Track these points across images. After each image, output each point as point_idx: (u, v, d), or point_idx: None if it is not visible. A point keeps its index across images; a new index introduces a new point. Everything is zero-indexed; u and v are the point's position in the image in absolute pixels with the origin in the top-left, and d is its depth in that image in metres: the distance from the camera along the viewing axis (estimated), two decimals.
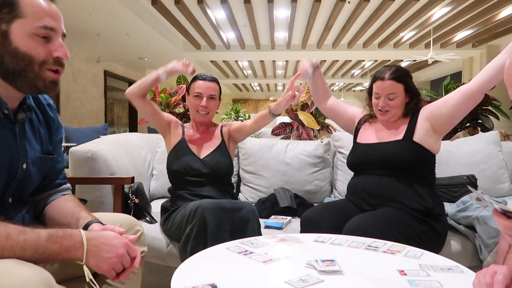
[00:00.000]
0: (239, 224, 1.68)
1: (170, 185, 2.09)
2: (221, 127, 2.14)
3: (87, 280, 0.96)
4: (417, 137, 1.77)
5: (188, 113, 3.49)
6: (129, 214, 1.95)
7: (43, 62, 0.99)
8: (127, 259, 1.00)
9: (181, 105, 3.47)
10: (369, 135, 1.93)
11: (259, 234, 1.72)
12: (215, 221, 1.60)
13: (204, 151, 2.02)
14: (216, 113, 2.13)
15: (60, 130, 1.26)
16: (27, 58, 0.97)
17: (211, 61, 12.48)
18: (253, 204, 2.36)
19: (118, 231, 1.05)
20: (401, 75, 1.82)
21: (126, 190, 2.00)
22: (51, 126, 1.21)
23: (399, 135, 1.81)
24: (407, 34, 8.83)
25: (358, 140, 1.96)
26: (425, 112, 1.81)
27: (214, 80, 2.04)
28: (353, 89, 19.18)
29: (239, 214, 1.69)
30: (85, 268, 0.96)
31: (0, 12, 0.94)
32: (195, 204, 1.68)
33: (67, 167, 2.04)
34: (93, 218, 1.14)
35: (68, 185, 1.30)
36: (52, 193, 1.24)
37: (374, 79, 1.86)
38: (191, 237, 1.62)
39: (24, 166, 1.07)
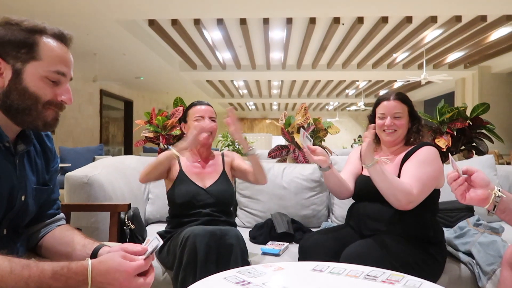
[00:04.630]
0: (225, 251, 1.67)
1: (166, 210, 2.06)
2: (222, 155, 2.14)
3: None
4: None
5: (184, 135, 3.47)
6: (125, 239, 1.94)
7: (47, 103, 1.02)
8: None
9: (177, 128, 3.46)
10: None
11: (244, 261, 1.68)
12: (205, 250, 1.59)
13: (208, 180, 2.00)
14: None
15: (57, 160, 1.26)
16: (33, 98, 0.99)
17: (207, 81, 12.55)
18: (249, 229, 2.34)
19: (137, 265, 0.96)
20: (405, 97, 1.87)
21: (122, 216, 1.98)
22: (48, 156, 1.21)
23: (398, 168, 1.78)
24: (401, 55, 8.96)
25: (363, 173, 1.94)
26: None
27: (210, 104, 2.09)
28: (347, 108, 19.32)
29: (224, 240, 1.68)
30: None
31: (18, 51, 0.97)
32: (187, 232, 1.67)
33: (62, 188, 2.01)
34: (98, 244, 1.13)
35: (62, 215, 1.29)
36: (47, 224, 1.22)
37: (378, 101, 1.88)
38: (182, 266, 1.61)
39: (23, 198, 1.07)
